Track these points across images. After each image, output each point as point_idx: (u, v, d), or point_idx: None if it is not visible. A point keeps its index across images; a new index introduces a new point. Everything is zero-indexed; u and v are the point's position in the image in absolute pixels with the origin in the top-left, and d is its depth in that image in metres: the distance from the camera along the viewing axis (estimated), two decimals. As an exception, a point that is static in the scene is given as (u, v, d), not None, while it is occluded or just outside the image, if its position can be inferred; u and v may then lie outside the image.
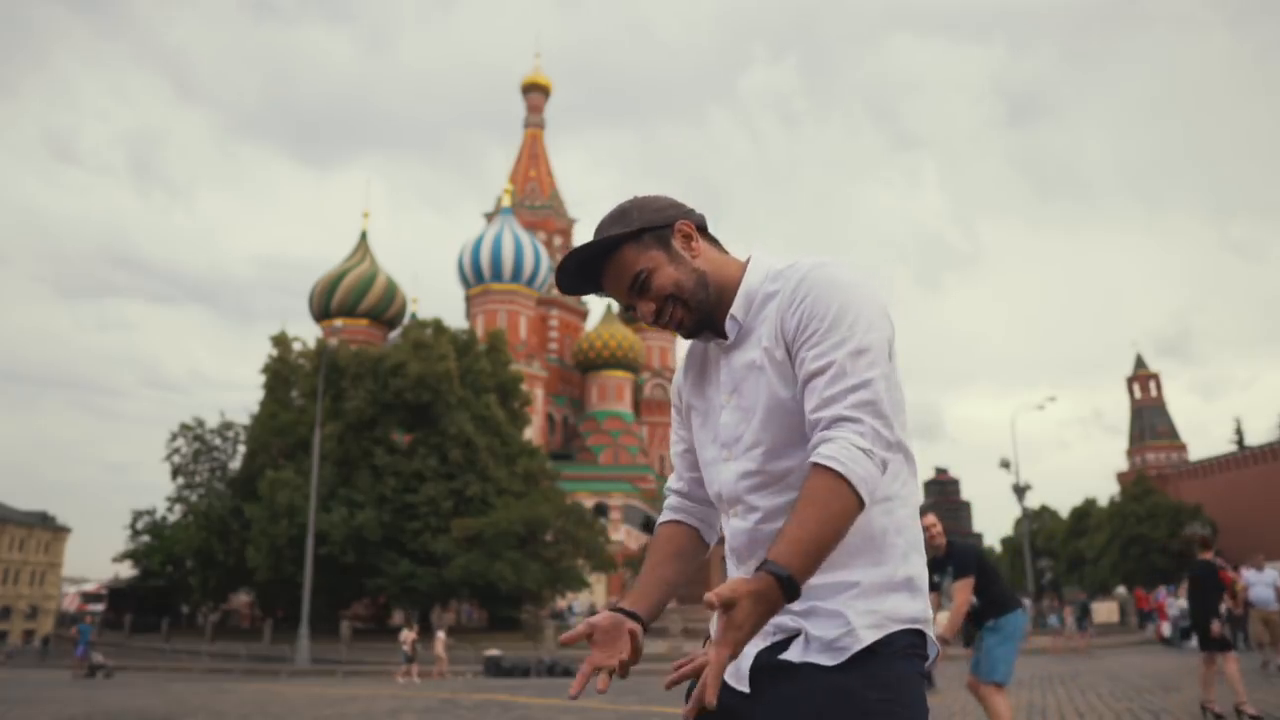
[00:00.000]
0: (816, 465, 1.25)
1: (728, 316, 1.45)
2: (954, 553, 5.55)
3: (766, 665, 1.35)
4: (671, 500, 1.65)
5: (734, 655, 1.16)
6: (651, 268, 1.43)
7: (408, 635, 19.07)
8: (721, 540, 1.61)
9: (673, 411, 1.69)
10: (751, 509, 1.41)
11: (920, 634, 1.37)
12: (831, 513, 1.23)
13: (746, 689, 1.36)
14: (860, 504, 1.25)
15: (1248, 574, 11.99)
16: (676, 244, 1.46)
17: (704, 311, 1.45)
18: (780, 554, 1.20)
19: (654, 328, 1.51)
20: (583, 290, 1.52)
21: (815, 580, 1.31)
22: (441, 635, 20.97)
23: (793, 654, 1.33)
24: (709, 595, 1.18)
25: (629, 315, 1.65)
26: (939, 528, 5.62)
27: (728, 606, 1.16)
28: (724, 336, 1.48)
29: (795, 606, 1.33)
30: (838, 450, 1.25)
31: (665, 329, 1.49)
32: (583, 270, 1.48)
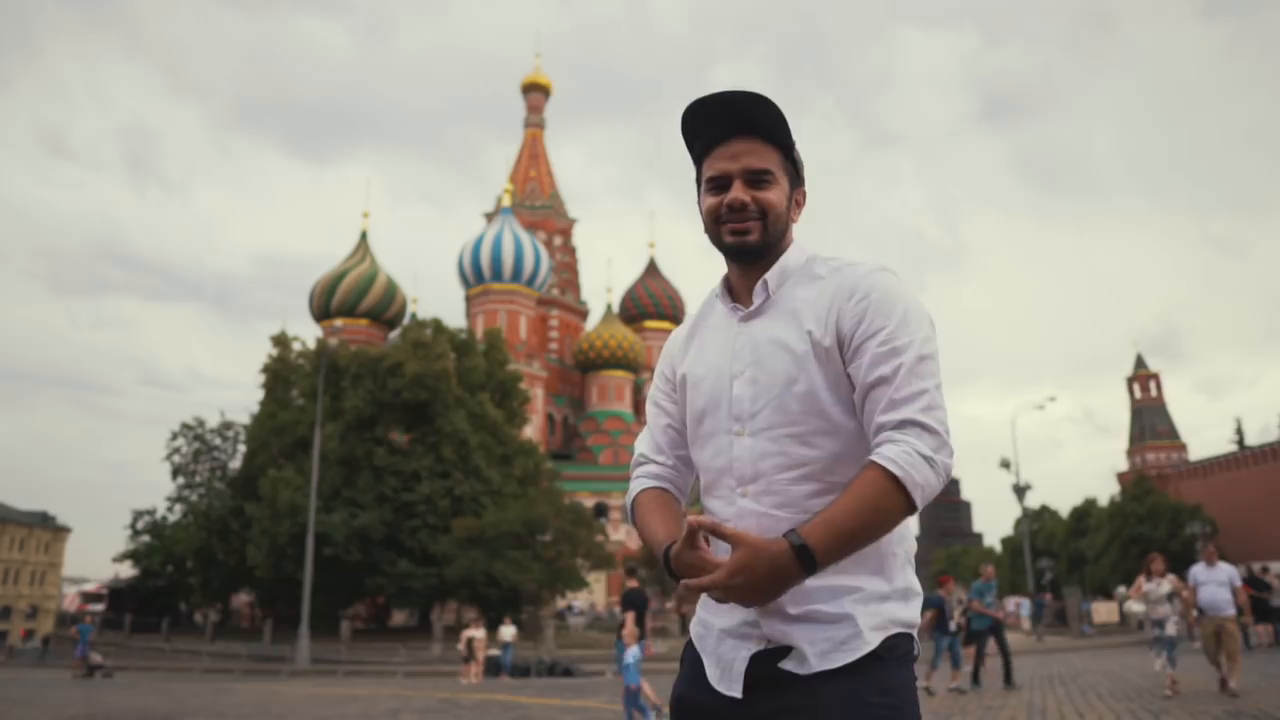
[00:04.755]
0: (873, 464, 1.26)
1: (759, 282, 1.44)
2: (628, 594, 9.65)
3: (764, 673, 1.32)
4: (655, 469, 1.55)
5: (717, 591, 1.24)
6: (776, 179, 1.43)
7: (465, 634, 18.62)
8: None
9: (659, 379, 1.60)
10: (768, 492, 1.36)
11: (912, 638, 1.38)
12: (875, 508, 1.24)
13: (738, 694, 1.33)
14: (909, 508, 1.26)
15: (1195, 571, 9.66)
16: (795, 196, 1.49)
17: (768, 248, 1.44)
18: (808, 529, 1.23)
19: (721, 221, 1.43)
20: (718, 121, 1.42)
21: (815, 583, 1.30)
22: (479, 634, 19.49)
23: (793, 664, 1.31)
24: (694, 520, 1.27)
25: (718, 182, 1.37)
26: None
27: (729, 542, 1.25)
28: (742, 304, 1.47)
29: (792, 610, 1.32)
30: (899, 453, 1.25)
31: (727, 228, 1.43)
32: (738, 112, 1.40)
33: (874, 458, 1.26)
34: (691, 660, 1.46)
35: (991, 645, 11.80)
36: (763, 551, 1.21)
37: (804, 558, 1.20)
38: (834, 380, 1.36)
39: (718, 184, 1.43)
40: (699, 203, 1.49)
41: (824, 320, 1.37)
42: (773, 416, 1.37)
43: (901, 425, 1.27)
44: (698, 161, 1.49)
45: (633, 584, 10.46)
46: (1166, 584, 9.52)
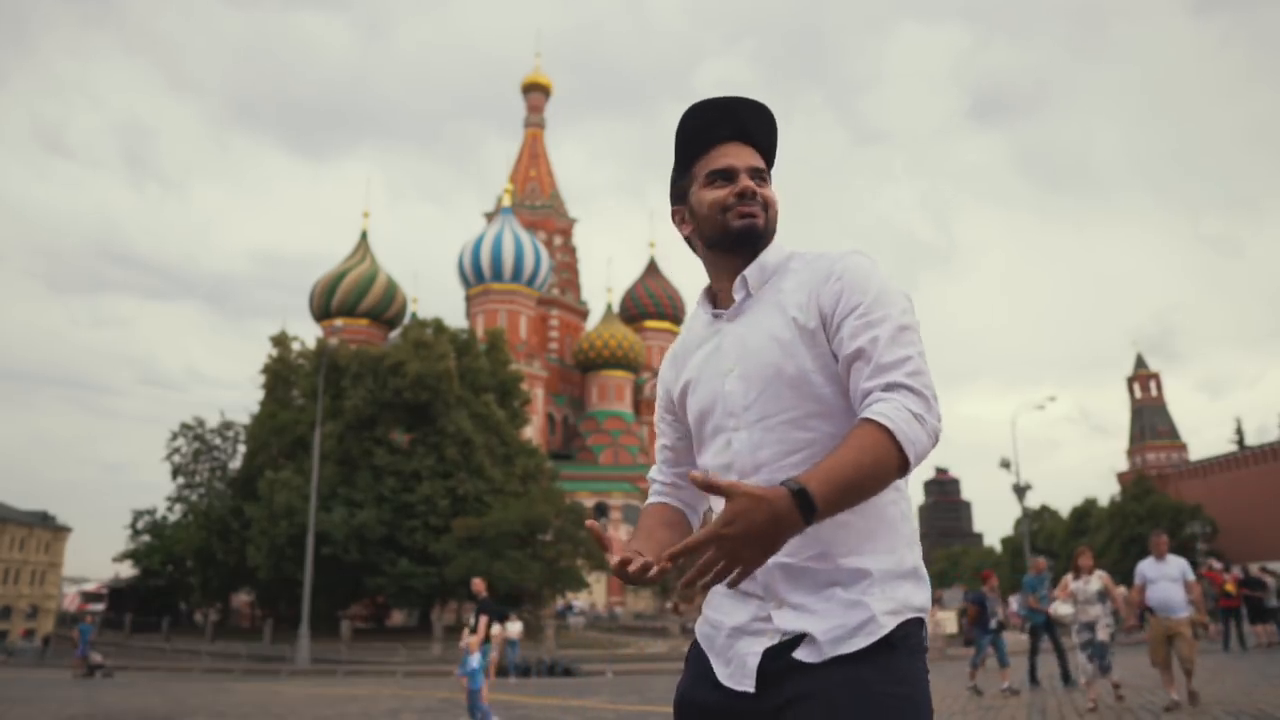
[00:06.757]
0: (866, 419, 1.26)
1: (738, 278, 1.47)
2: (482, 601, 9.62)
3: (776, 665, 1.32)
4: (657, 487, 1.64)
5: (709, 551, 1.14)
6: (768, 179, 1.52)
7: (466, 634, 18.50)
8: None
9: (658, 402, 1.65)
10: (769, 482, 1.32)
11: (924, 625, 1.38)
12: (873, 459, 1.22)
13: (751, 688, 1.33)
14: (903, 464, 1.24)
15: (1143, 567, 8.29)
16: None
17: (766, 238, 1.49)
18: (805, 475, 1.19)
19: (738, 202, 1.47)
20: (724, 123, 1.48)
21: (830, 565, 1.33)
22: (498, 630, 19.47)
23: (805, 652, 1.30)
24: (692, 475, 1.18)
25: (723, 175, 1.46)
26: (481, 582, 10.09)
27: (725, 494, 1.15)
28: (725, 308, 1.51)
29: (802, 599, 1.33)
30: (890, 409, 1.25)
31: (735, 212, 1.46)
32: (745, 118, 1.48)
33: (865, 414, 1.27)
34: (696, 660, 1.46)
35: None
36: (761, 499, 1.14)
37: (803, 503, 1.16)
38: (822, 361, 1.38)
39: (724, 175, 1.47)
40: (689, 199, 1.51)
41: (805, 306, 1.40)
42: (767, 406, 1.39)
43: (889, 388, 1.29)
44: (692, 159, 1.51)
45: (484, 592, 9.85)
46: (1096, 581, 8.56)
